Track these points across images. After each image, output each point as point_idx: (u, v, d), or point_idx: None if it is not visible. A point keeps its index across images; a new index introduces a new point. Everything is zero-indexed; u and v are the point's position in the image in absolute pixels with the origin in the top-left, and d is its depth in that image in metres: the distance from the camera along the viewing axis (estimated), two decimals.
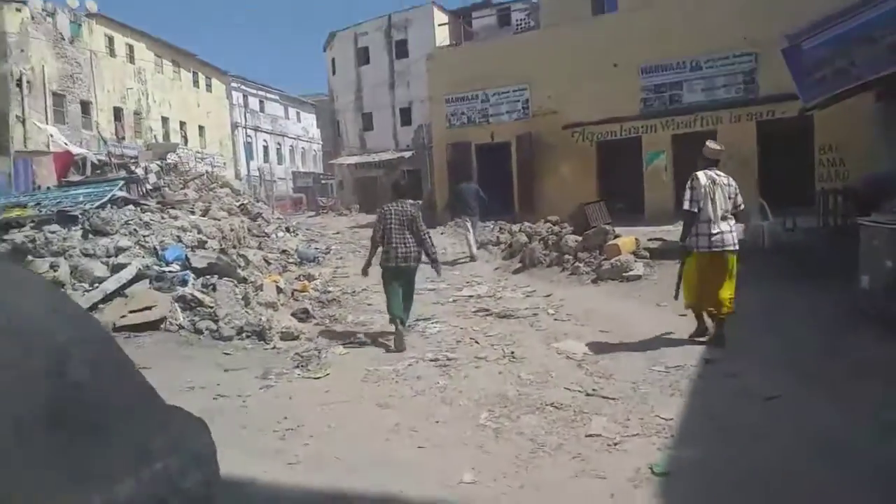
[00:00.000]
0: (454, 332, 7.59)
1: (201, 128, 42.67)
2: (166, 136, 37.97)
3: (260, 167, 47.32)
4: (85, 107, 30.97)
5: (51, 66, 28.49)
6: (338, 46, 39.41)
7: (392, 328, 7.17)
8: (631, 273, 9.28)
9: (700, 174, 6.12)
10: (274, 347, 7.15)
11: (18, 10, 26.62)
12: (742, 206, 6.30)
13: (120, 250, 8.61)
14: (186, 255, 8.59)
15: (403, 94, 36.35)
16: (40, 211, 9.34)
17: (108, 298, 7.98)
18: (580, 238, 10.67)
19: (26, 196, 11.21)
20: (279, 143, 53.48)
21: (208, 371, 6.33)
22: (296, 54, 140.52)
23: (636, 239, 10.38)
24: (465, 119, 22.66)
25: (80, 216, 9.14)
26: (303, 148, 57.33)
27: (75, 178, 15.89)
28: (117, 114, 33.65)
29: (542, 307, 8.57)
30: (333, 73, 40.34)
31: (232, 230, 12.36)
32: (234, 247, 12.40)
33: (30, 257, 8.06)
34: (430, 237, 7.52)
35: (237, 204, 17.67)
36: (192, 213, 12.14)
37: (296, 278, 10.68)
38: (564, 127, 20.15)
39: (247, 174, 45.60)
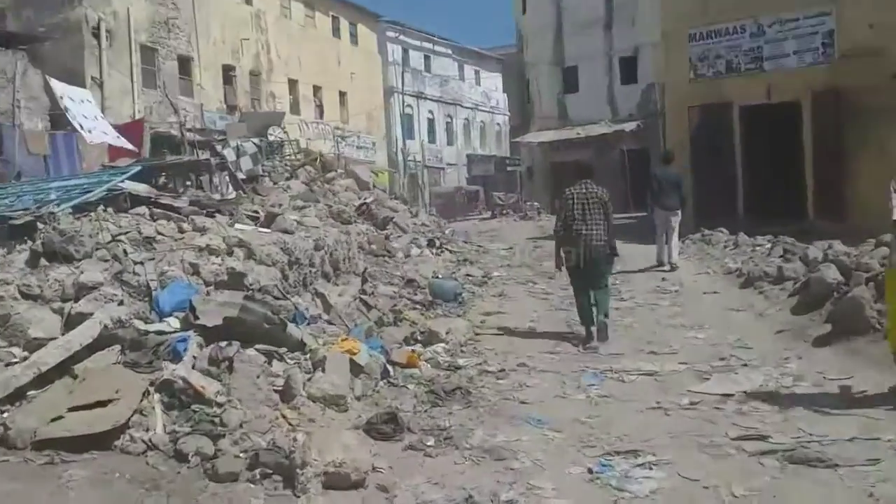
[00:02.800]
0: (682, 496, 4.83)
1: (342, 94, 42.91)
2: (295, 105, 38.47)
3: (422, 146, 46.59)
4: (184, 65, 31.38)
5: (138, 10, 28.84)
6: None
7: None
8: None
9: None
10: None
11: None
12: None
13: (84, 289, 6.82)
14: (192, 302, 6.59)
15: (626, 38, 34.26)
16: None
17: (46, 378, 6.16)
18: None
19: None
20: (449, 116, 53.03)
21: None
22: None
23: None
24: (723, 66, 20.09)
25: (38, 226, 7.51)
26: (482, 122, 56.47)
27: (125, 161, 15.02)
28: (227, 75, 34.02)
29: (888, 441, 5.49)
30: (524, 9, 38.84)
31: (322, 249, 10.47)
32: (328, 276, 10.57)
33: None
34: (613, 225, 9.25)
35: (356, 203, 16.07)
36: (255, 219, 10.38)
37: (403, 339, 8.45)
38: None
39: (404, 159, 45.12)
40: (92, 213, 8.36)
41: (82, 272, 7.03)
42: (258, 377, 6.27)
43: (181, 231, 8.76)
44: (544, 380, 7.60)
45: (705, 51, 20.12)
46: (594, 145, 33.18)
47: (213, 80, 32.97)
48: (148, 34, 29.52)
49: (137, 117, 24.89)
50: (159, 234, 8.37)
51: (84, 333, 6.35)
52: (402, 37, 49.40)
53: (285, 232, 10.01)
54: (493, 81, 57.55)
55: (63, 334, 6.51)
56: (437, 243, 16.36)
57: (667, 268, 13.86)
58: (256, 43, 35.89)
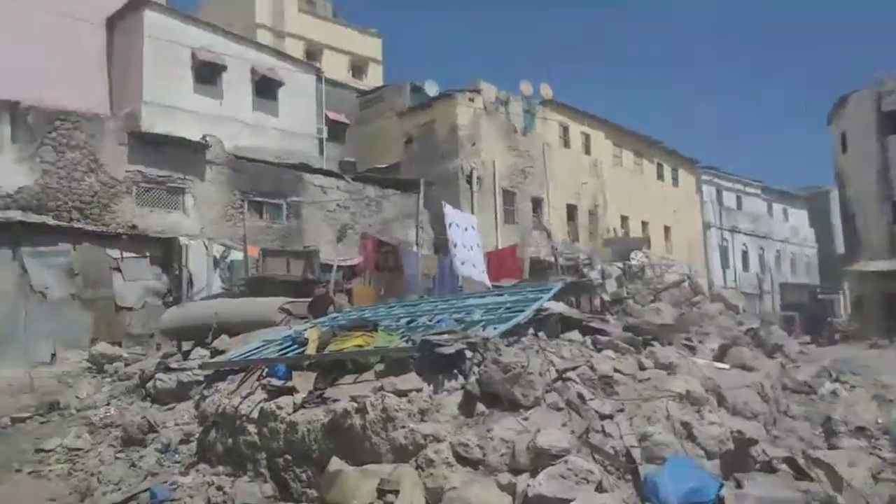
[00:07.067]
0: None
1: (667, 228, 39.47)
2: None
3: (758, 275, 41.58)
4: (536, 204, 30.24)
5: (501, 162, 28.39)
6: (850, 114, 32.92)
7: None
8: None
9: None
10: None
11: (471, 100, 26.76)
12: None
13: (543, 456, 3.81)
14: (721, 500, 3.34)
15: None
16: (406, 339, 5.16)
17: None
18: None
19: (391, 308, 7.44)
20: (761, 248, 47.22)
21: None
22: (782, 139, 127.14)
23: None
24: None
25: (468, 353, 4.68)
26: (791, 253, 49.83)
27: (508, 282, 12.51)
28: (570, 212, 32.41)
29: None
30: (843, 150, 33.73)
31: (772, 388, 6.88)
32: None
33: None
34: None
35: (742, 330, 12.17)
36: (692, 350, 6.96)
37: None
38: None
39: (723, 286, 40.22)
40: (523, 339, 5.43)
41: (538, 430, 3.99)
42: None
43: (641, 367, 5.57)
44: None
45: None
46: None
47: (558, 216, 31.34)
48: (508, 181, 28.68)
49: (502, 246, 23.24)
50: (616, 371, 5.24)
51: None
52: (716, 179, 45.19)
53: (744, 368, 6.48)
54: (799, 217, 51.09)
55: None
56: (834, 375, 11.91)
57: None
58: (593, 186, 33.95)
